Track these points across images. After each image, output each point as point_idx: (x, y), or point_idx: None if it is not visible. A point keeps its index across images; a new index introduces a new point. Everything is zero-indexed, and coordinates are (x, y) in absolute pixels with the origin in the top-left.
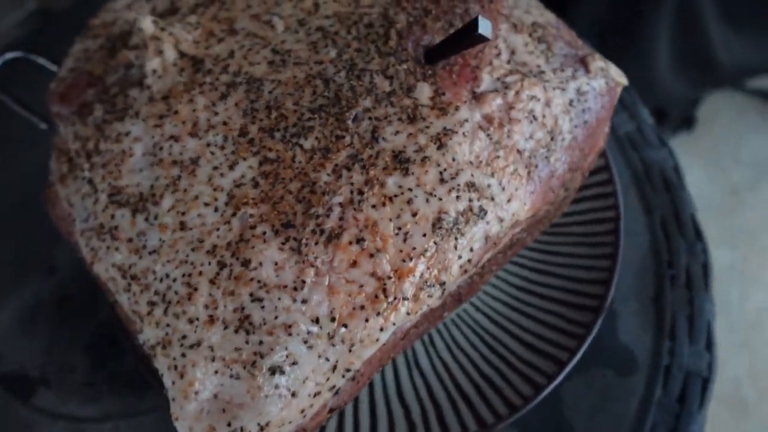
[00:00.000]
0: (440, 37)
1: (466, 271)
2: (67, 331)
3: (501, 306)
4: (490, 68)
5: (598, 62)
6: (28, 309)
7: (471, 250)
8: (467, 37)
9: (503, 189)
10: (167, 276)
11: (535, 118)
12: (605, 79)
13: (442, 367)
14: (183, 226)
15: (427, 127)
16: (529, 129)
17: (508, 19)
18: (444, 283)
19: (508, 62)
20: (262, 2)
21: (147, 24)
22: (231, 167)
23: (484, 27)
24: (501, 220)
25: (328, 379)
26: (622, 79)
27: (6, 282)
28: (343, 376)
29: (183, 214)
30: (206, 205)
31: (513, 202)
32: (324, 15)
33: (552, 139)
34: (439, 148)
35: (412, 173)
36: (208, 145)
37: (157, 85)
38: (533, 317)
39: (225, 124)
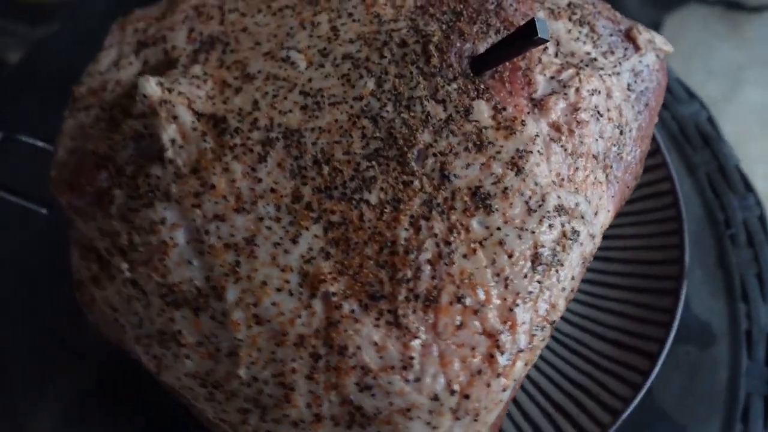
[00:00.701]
0: (482, 42)
1: (568, 302)
2: (121, 425)
3: (578, 306)
4: (540, 67)
5: (644, 34)
6: (72, 405)
7: (572, 278)
8: (522, 41)
9: (589, 203)
10: (255, 379)
11: (600, 114)
12: (655, 51)
13: (530, 383)
14: (258, 320)
15: (498, 153)
16: (597, 128)
17: (543, 5)
18: (554, 322)
19: (556, 55)
20: (271, 35)
21: (151, 87)
22: (294, 240)
23: (542, 29)
24: (593, 237)
25: None
26: (668, 47)
27: (37, 376)
28: None
29: (254, 305)
30: (278, 290)
31: (600, 214)
32: (347, 39)
33: (621, 133)
34: (517, 174)
35: (497, 209)
36: (261, 219)
37: (180, 157)
38: (613, 311)
39: (273, 191)
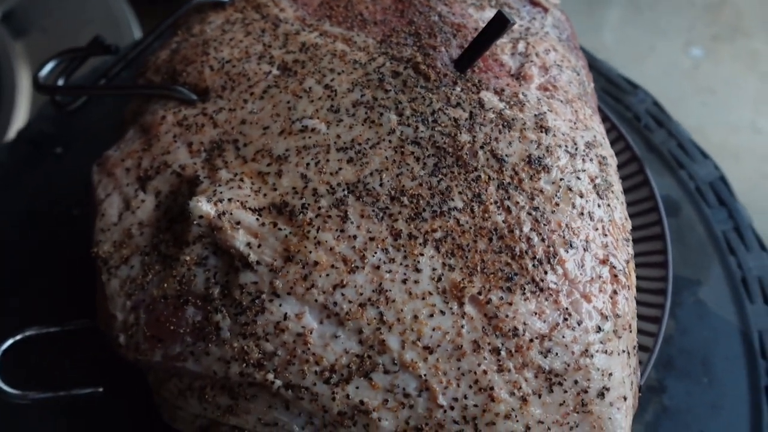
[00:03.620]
0: (450, 47)
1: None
2: None
3: None
4: (500, 49)
5: None
6: None
7: (621, 191)
8: (496, 31)
9: (597, 131)
10: (455, 399)
11: (560, 66)
12: (555, 6)
13: None
14: (430, 350)
15: (524, 124)
16: (566, 77)
17: (466, 2)
18: (630, 229)
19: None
20: (275, 116)
21: (205, 206)
22: (416, 269)
23: (509, 15)
24: (612, 156)
25: (630, 366)
26: (556, 0)
27: None
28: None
29: (418, 340)
30: (431, 316)
31: (603, 136)
32: (345, 90)
33: (578, 74)
34: (547, 132)
35: (551, 165)
36: (377, 268)
37: (265, 254)
38: None
39: (372, 239)
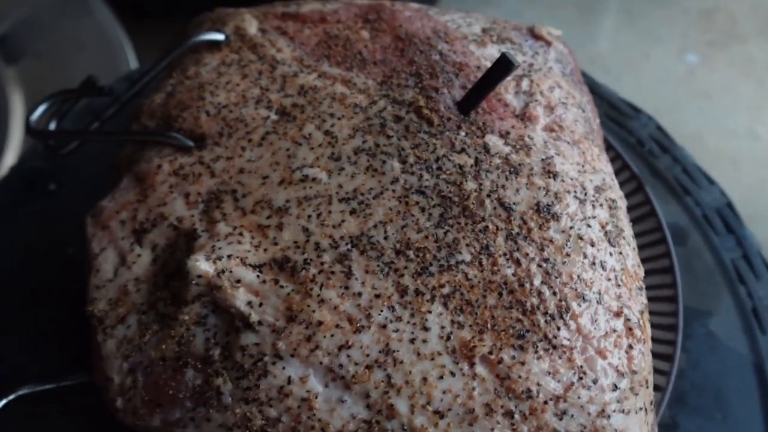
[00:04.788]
0: (452, 87)
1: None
2: None
3: None
4: (503, 88)
5: (543, 29)
6: None
7: (632, 235)
8: (499, 74)
9: (606, 173)
10: None
11: (565, 104)
12: (558, 39)
13: None
14: (440, 414)
15: (532, 169)
16: (571, 115)
17: (467, 39)
18: (642, 276)
19: None
20: (274, 164)
21: (204, 265)
22: (424, 328)
23: (513, 58)
24: (621, 198)
25: (648, 423)
26: (558, 31)
27: None
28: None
29: (428, 404)
30: (441, 378)
31: (612, 177)
32: (346, 136)
33: (583, 110)
34: (555, 178)
35: (560, 213)
36: (384, 327)
37: (267, 314)
38: None
39: (378, 296)
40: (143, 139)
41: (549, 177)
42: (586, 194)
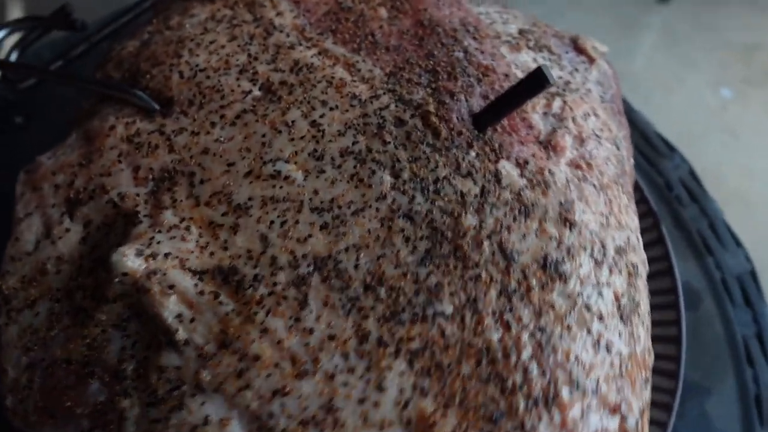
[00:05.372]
0: (472, 95)
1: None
2: None
3: None
4: (531, 105)
5: (588, 43)
6: None
7: (648, 312)
8: (530, 90)
9: (632, 231)
10: None
11: (599, 137)
12: (603, 57)
13: None
14: None
15: (546, 212)
16: (603, 152)
17: (500, 40)
18: (651, 367)
19: None
20: (244, 150)
21: (132, 262)
22: (379, 388)
23: (549, 74)
24: (644, 262)
25: None
26: (604, 48)
27: None
28: None
29: None
30: None
31: (638, 235)
32: (335, 132)
33: (618, 147)
34: (572, 229)
35: (570, 274)
36: (331, 377)
37: (197, 333)
38: None
39: (332, 338)
40: (102, 91)
41: (565, 226)
42: (604, 255)
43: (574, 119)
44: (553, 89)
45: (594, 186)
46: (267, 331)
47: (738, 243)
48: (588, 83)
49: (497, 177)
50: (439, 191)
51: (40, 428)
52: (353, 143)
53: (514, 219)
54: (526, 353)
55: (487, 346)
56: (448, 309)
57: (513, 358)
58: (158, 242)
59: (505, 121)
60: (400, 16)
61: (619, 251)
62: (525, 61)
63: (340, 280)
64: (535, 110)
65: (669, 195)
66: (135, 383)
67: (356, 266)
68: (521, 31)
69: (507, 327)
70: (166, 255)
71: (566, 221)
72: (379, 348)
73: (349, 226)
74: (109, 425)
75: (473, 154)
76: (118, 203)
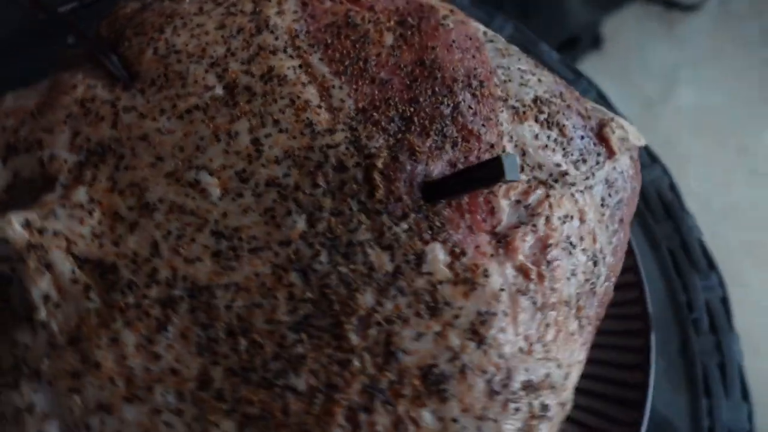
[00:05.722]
0: (436, 160)
1: None
2: None
3: None
4: (504, 188)
5: (617, 132)
6: None
7: None
8: (483, 178)
9: (560, 367)
10: None
11: (573, 246)
12: (629, 152)
13: None
14: None
15: (457, 317)
16: (569, 265)
17: (506, 104)
18: None
19: (522, 169)
20: (177, 148)
21: (15, 230)
22: None
23: (512, 168)
24: (563, 405)
25: None
26: (641, 141)
27: None
28: None
29: None
30: None
31: (572, 374)
32: (272, 158)
33: (595, 264)
34: (479, 346)
35: (453, 395)
36: (157, 413)
37: (56, 319)
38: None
39: (174, 372)
40: (85, 47)
41: (471, 339)
42: (505, 387)
43: (548, 219)
44: (543, 175)
45: (534, 302)
46: (117, 342)
47: (712, 265)
48: (592, 179)
49: (419, 260)
50: (349, 256)
51: None
52: (284, 175)
53: (417, 314)
54: None
55: None
56: (302, 385)
57: None
58: (56, 217)
59: (466, 200)
60: (403, 48)
61: (528, 387)
62: (522, 134)
63: (206, 315)
64: (507, 195)
65: (687, 316)
66: None
67: (228, 307)
68: (537, 99)
69: (356, 427)
70: (56, 233)
71: (475, 334)
72: (215, 401)
73: (240, 262)
74: None
75: (404, 226)
76: (45, 164)
